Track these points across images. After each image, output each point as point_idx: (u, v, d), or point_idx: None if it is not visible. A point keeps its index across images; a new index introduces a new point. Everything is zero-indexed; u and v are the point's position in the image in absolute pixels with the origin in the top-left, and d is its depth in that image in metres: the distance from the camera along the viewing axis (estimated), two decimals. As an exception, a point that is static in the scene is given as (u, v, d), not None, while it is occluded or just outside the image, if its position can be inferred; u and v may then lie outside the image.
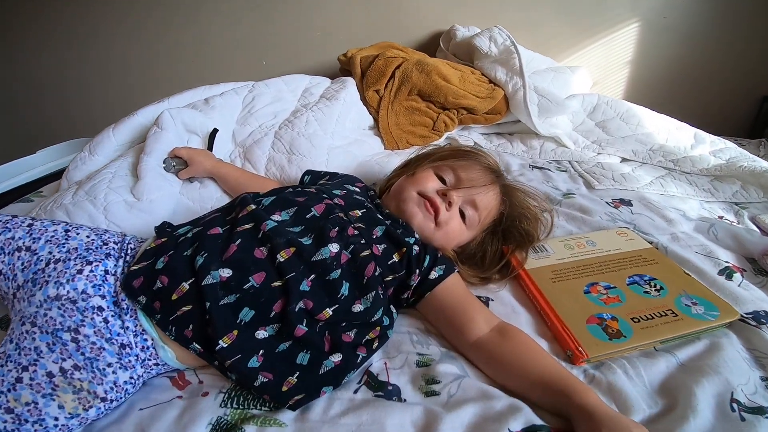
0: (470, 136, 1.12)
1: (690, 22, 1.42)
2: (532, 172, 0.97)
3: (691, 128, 1.11)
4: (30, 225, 0.49)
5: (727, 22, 1.41)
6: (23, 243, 0.47)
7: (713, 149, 1.04)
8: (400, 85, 1.01)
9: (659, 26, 1.42)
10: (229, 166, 0.77)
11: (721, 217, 0.82)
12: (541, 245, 0.66)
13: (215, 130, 0.80)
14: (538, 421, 0.41)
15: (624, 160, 1.04)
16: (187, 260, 0.45)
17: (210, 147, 0.79)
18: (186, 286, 0.44)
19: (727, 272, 0.63)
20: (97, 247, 0.48)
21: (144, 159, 0.69)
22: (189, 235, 0.49)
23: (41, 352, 0.40)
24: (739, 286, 0.60)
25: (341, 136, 0.88)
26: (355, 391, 0.45)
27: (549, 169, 0.98)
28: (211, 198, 0.75)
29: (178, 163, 0.73)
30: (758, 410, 0.42)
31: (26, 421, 0.38)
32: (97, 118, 1.49)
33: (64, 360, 0.40)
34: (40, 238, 0.48)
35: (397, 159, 0.85)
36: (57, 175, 0.86)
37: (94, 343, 0.41)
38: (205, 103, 0.89)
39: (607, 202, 0.83)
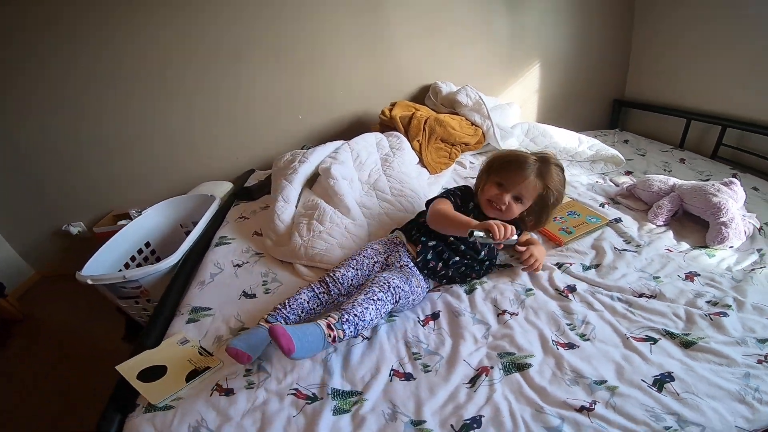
0: (465, 158, 1.92)
1: (567, 57, 2.28)
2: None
3: (575, 134, 2.03)
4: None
5: (590, 53, 2.29)
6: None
7: (588, 145, 1.97)
8: (429, 135, 1.77)
9: (548, 62, 2.29)
10: None
11: (597, 182, 1.72)
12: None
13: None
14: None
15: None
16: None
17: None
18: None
19: (601, 204, 1.50)
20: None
21: (344, 198, 1.35)
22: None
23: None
24: (605, 207, 1.47)
25: (414, 169, 1.62)
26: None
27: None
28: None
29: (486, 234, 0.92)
30: (630, 242, 1.27)
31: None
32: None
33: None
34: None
35: (435, 179, 1.63)
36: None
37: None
38: (334, 158, 1.55)
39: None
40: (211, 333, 0.98)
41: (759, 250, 1.15)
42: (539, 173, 1.07)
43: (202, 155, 2.15)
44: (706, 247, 1.21)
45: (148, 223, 1.76)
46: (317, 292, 0.99)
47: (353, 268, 1.03)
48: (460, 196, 1.18)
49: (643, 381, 0.76)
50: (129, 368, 0.85)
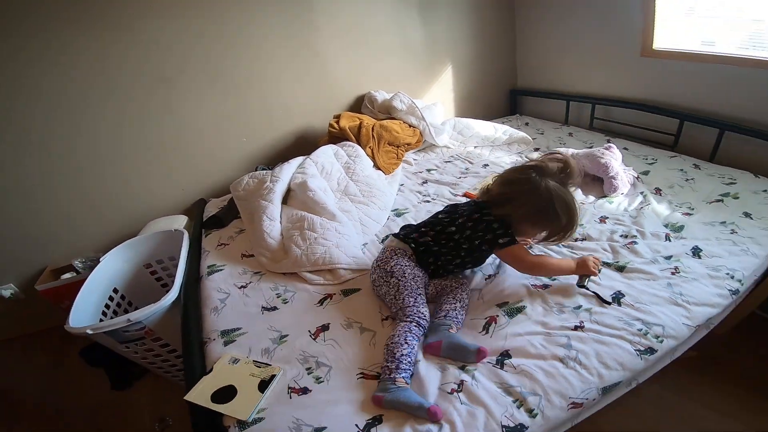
0: (409, 156, 2.18)
1: (471, 57, 2.65)
2: (446, 164, 2.09)
3: (490, 123, 2.42)
4: None
5: (487, 52, 2.66)
6: None
7: (503, 131, 2.37)
8: (378, 141, 1.98)
9: (457, 63, 2.64)
10: None
11: (516, 160, 2.11)
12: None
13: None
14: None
15: (475, 147, 2.28)
16: None
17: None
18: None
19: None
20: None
21: (327, 206, 1.49)
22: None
23: None
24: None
25: (373, 172, 1.82)
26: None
27: (450, 161, 2.13)
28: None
29: None
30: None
31: None
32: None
33: None
34: None
35: (391, 178, 1.86)
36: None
37: None
38: (303, 173, 1.67)
39: (480, 166, 2.02)
40: (255, 347, 1.07)
41: (642, 193, 1.60)
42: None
43: (144, 192, 2.06)
44: (605, 196, 1.63)
45: (109, 269, 1.68)
46: (418, 335, 1.00)
47: (423, 300, 1.08)
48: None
49: (605, 301, 1.08)
50: (199, 395, 0.92)
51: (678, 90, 2.02)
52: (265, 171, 1.82)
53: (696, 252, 1.24)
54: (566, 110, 2.58)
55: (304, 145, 2.27)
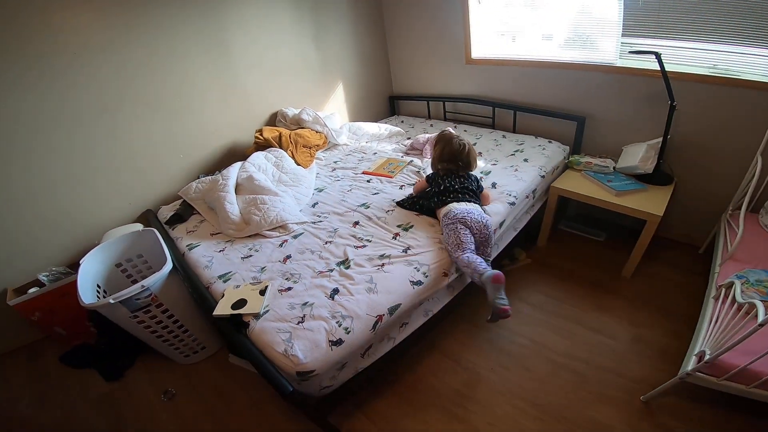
0: (319, 154, 2.87)
1: (357, 72, 3.45)
2: (347, 156, 2.83)
3: (376, 124, 3.24)
4: None
5: (370, 66, 3.51)
6: None
7: (385, 128, 3.20)
8: (296, 145, 2.64)
9: (347, 78, 3.41)
10: None
11: (394, 147, 2.94)
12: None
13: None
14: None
15: (366, 142, 3.06)
16: None
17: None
18: None
19: (401, 155, 2.71)
20: None
21: (270, 188, 2.11)
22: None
23: None
24: (403, 157, 2.69)
25: (295, 167, 2.47)
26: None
27: (350, 154, 2.88)
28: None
29: None
30: (420, 170, 2.48)
31: None
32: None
33: None
34: None
35: (309, 170, 2.54)
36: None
37: None
38: (246, 171, 2.26)
39: (371, 154, 2.81)
40: (246, 278, 1.67)
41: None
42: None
43: (96, 207, 2.35)
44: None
45: (91, 268, 2.03)
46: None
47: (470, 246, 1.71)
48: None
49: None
50: (222, 308, 1.49)
51: (490, 86, 3.06)
52: (211, 176, 2.35)
53: (494, 185, 2.18)
54: (428, 108, 3.53)
55: (233, 156, 2.80)
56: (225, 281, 1.68)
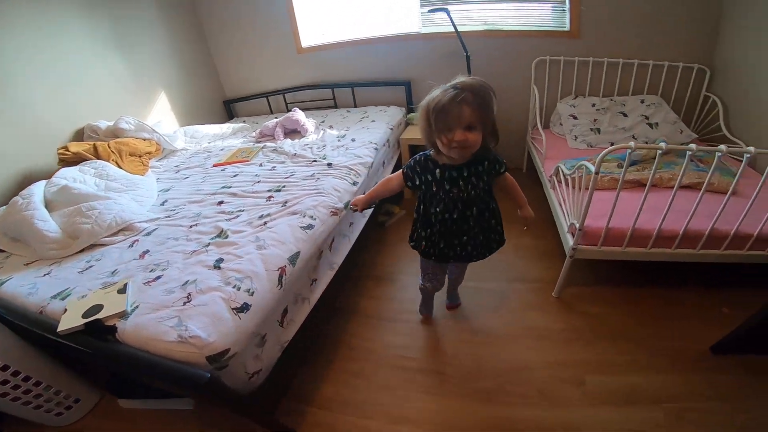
0: (153, 162, 2.49)
1: (187, 78, 3.17)
2: (191, 158, 2.54)
3: (218, 125, 3.00)
4: None
5: (198, 72, 3.30)
6: None
7: (228, 127, 2.99)
8: (120, 154, 2.22)
9: (171, 86, 3.10)
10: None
11: (244, 139, 2.79)
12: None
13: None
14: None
15: (209, 143, 2.81)
16: None
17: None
18: None
19: (254, 144, 2.59)
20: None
21: (90, 194, 1.72)
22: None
23: None
24: (254, 145, 2.57)
25: (127, 174, 2.09)
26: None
27: (194, 155, 2.59)
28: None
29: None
30: (277, 150, 2.40)
31: None
32: None
33: None
34: None
35: (146, 177, 2.20)
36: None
37: None
38: (55, 184, 1.79)
39: (219, 150, 2.60)
40: (93, 287, 1.30)
41: (322, 130, 2.59)
42: (467, 100, 1.04)
43: None
44: (303, 137, 2.54)
45: None
46: None
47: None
48: (418, 172, 1.26)
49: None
50: (69, 321, 1.12)
51: (325, 71, 3.20)
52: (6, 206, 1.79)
53: (353, 140, 2.27)
54: (268, 104, 3.47)
55: (32, 180, 2.18)
56: (63, 299, 1.29)
